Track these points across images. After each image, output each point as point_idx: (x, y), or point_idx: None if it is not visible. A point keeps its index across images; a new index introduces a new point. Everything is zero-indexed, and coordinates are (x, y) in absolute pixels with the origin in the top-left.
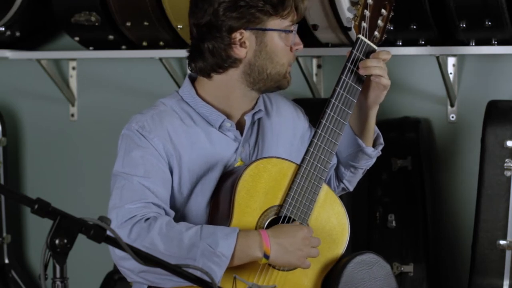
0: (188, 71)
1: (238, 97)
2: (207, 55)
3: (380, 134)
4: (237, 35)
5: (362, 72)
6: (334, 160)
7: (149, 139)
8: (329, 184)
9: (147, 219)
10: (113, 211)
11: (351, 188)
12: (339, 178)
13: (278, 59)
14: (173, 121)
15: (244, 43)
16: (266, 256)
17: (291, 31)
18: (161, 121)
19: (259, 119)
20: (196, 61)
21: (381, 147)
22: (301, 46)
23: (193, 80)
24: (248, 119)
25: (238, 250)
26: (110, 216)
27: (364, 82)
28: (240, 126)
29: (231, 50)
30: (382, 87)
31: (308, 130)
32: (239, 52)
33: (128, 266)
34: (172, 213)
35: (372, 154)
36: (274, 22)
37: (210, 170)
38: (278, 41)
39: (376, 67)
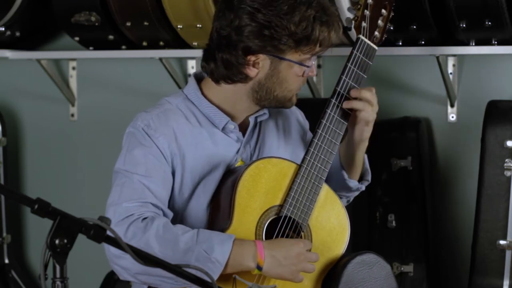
0: (189, 71)
1: (242, 107)
2: (220, 64)
3: (369, 171)
4: (252, 57)
5: (344, 105)
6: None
7: (154, 138)
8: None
9: (144, 218)
10: (110, 208)
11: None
12: None
13: (287, 85)
14: (178, 120)
15: (258, 64)
16: (259, 267)
17: (308, 67)
18: (166, 120)
19: (261, 121)
20: (209, 63)
21: (366, 183)
22: (314, 74)
23: (198, 80)
24: (251, 121)
25: (232, 258)
26: (108, 213)
27: (350, 117)
28: (243, 127)
29: (243, 68)
30: (363, 122)
31: (309, 133)
32: (250, 71)
33: (124, 264)
34: (171, 214)
35: (353, 187)
36: (293, 55)
37: (212, 170)
38: (293, 70)
39: (359, 100)
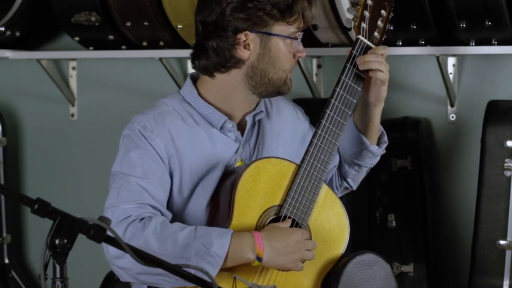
0: (189, 71)
1: (239, 99)
2: (211, 53)
3: (384, 132)
4: (242, 36)
5: (361, 67)
6: (335, 161)
7: (150, 139)
8: (331, 183)
9: (142, 219)
10: (109, 210)
11: (354, 187)
12: (342, 177)
13: (280, 65)
14: (175, 121)
15: (248, 45)
16: (259, 259)
17: (296, 39)
18: (163, 121)
19: (259, 120)
20: (199, 58)
21: (385, 145)
22: (304, 54)
23: (194, 81)
24: (249, 120)
25: (231, 251)
26: (106, 215)
27: (364, 81)
28: (241, 126)
29: (234, 51)
30: (379, 82)
31: (309, 131)
32: (242, 53)
33: (124, 265)
34: (169, 214)
35: (376, 152)
36: (280, 28)
37: (211, 170)
38: (282, 47)
39: (374, 61)
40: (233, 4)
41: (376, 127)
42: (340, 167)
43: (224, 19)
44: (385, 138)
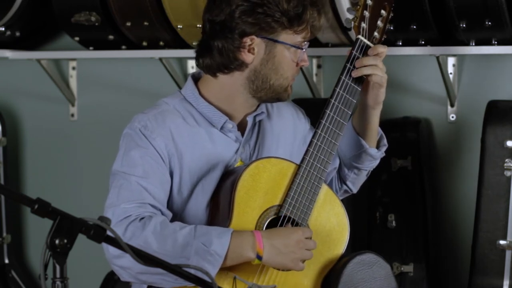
0: (189, 71)
1: (240, 101)
2: (215, 53)
3: (384, 135)
4: (247, 40)
5: (354, 74)
6: (335, 163)
7: (151, 139)
8: (330, 186)
9: (142, 218)
10: (109, 209)
11: (354, 190)
12: (342, 180)
13: (283, 72)
14: (175, 120)
15: (253, 49)
16: (259, 257)
17: (302, 48)
18: (163, 120)
19: (260, 121)
20: (204, 57)
21: (384, 148)
22: (307, 63)
23: (196, 80)
24: (250, 120)
25: (231, 250)
26: (106, 214)
27: (364, 82)
28: (241, 127)
29: (239, 53)
30: (377, 85)
31: (310, 132)
32: (246, 56)
33: (124, 264)
34: (170, 214)
35: (375, 155)
36: (287, 36)
37: (211, 170)
38: (287, 55)
39: (367, 66)
40: (243, 7)
41: (375, 130)
42: (339, 170)
43: (232, 21)
44: (385, 141)
